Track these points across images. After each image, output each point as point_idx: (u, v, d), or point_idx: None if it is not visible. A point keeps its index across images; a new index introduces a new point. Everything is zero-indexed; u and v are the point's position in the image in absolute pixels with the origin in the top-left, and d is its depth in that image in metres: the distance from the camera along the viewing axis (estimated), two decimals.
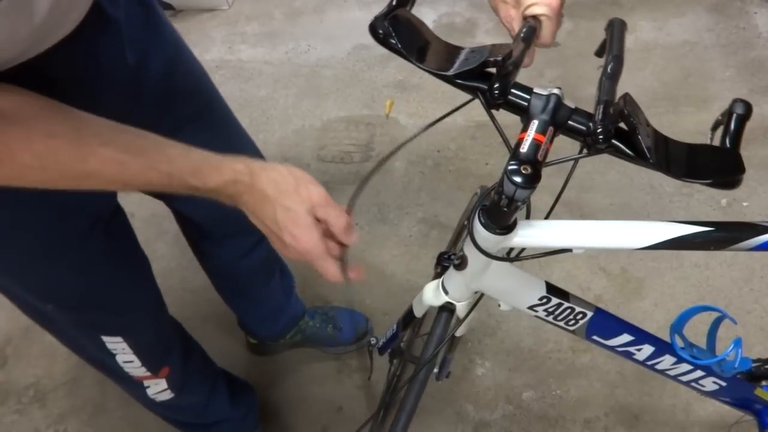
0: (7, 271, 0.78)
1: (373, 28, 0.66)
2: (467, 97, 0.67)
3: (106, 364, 0.98)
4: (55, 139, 0.56)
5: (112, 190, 0.61)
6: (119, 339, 0.91)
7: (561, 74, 2.12)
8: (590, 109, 0.62)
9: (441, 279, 0.81)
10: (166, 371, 1.02)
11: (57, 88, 0.67)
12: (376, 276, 1.67)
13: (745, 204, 1.75)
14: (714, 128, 0.61)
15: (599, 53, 0.67)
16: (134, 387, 1.04)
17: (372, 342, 0.92)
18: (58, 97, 0.67)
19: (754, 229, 0.65)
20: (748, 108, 0.59)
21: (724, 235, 0.66)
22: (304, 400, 1.50)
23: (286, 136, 2.07)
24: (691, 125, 1.94)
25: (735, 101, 0.60)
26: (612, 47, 0.65)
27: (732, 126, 0.59)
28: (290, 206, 0.62)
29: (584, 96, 1.98)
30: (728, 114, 0.60)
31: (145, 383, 1.03)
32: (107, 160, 0.58)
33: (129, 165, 0.59)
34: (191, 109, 0.92)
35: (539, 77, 2.09)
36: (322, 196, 0.64)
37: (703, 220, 0.66)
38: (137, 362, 0.96)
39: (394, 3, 0.67)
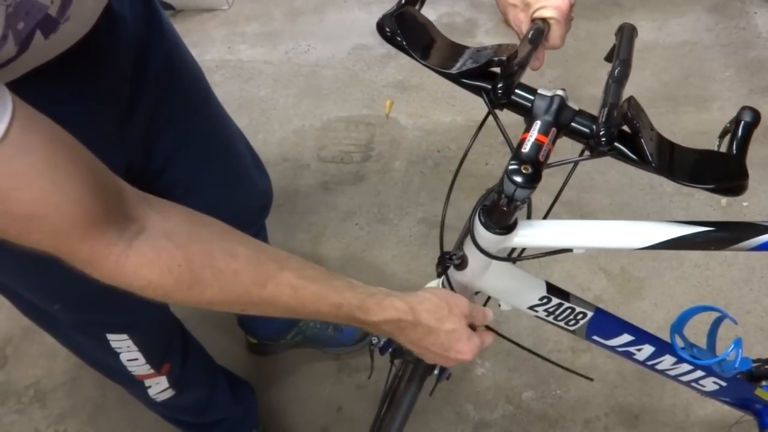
0: (14, 272, 0.78)
1: (381, 26, 0.66)
2: (468, 96, 0.67)
3: (108, 365, 0.98)
4: (236, 261, 0.56)
5: (277, 315, 0.63)
6: (125, 336, 0.91)
7: (561, 74, 2.12)
8: (592, 110, 0.61)
9: (441, 279, 0.81)
10: (167, 368, 1.03)
11: (70, 88, 0.67)
12: (376, 276, 1.67)
13: (745, 204, 1.75)
14: (722, 136, 0.61)
15: (609, 58, 0.67)
16: (136, 387, 1.05)
17: (373, 342, 0.92)
18: (73, 97, 0.68)
19: (755, 229, 0.65)
20: (756, 116, 0.59)
21: (725, 235, 0.66)
22: (304, 400, 1.50)
23: (286, 136, 2.07)
24: (691, 125, 1.94)
25: (743, 109, 0.60)
26: (620, 52, 0.64)
27: (739, 133, 0.59)
28: (451, 328, 0.68)
29: (584, 96, 1.98)
30: (736, 121, 0.60)
31: (146, 383, 1.03)
32: (284, 286, 0.58)
33: (303, 292, 0.59)
34: (186, 106, 0.92)
35: (539, 77, 2.09)
36: (467, 304, 0.71)
37: (703, 220, 0.66)
38: (141, 359, 0.97)
39: (403, 1, 0.67)
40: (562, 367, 0.89)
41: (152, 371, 1.00)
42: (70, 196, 0.46)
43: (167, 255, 0.52)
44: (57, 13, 0.56)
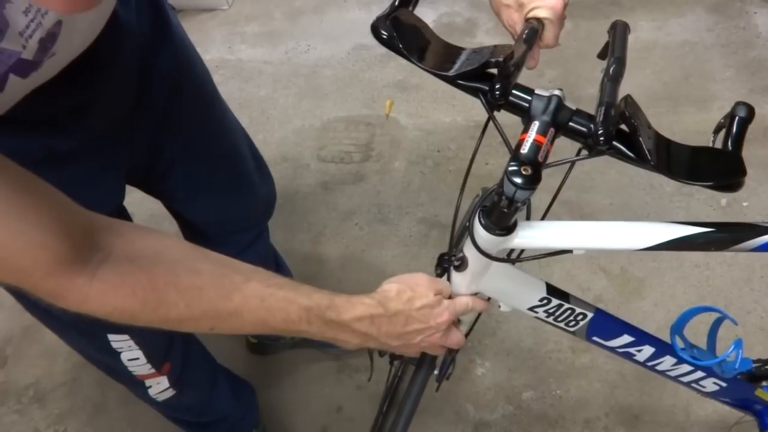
0: None
1: (375, 29, 0.66)
2: (468, 96, 0.66)
3: (109, 364, 0.98)
4: (200, 277, 0.57)
5: (248, 330, 0.64)
6: (126, 336, 0.92)
7: (561, 74, 2.12)
8: (591, 110, 0.61)
9: (442, 279, 0.81)
10: (168, 367, 1.03)
11: (76, 95, 0.67)
12: (376, 276, 1.66)
13: (745, 204, 1.75)
14: (716, 131, 0.61)
15: (602, 55, 0.67)
16: (136, 387, 1.05)
17: None
18: (78, 104, 0.67)
19: (755, 230, 0.65)
20: (750, 111, 0.59)
21: (725, 236, 0.66)
22: (304, 400, 1.50)
23: (286, 136, 2.07)
24: (691, 125, 1.94)
25: (737, 104, 0.60)
26: (614, 49, 0.64)
27: (734, 129, 0.59)
28: (421, 304, 0.69)
29: (584, 96, 1.98)
30: (730, 117, 0.60)
31: (147, 382, 1.03)
32: (250, 297, 0.59)
33: (270, 300, 0.60)
34: (193, 109, 0.92)
35: (539, 77, 2.08)
36: (427, 278, 0.72)
37: (703, 220, 0.66)
38: (142, 359, 0.97)
39: (396, 3, 0.67)
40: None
41: (153, 371, 1.00)
42: (34, 242, 0.48)
43: (131, 278, 0.53)
44: (35, 56, 0.55)
